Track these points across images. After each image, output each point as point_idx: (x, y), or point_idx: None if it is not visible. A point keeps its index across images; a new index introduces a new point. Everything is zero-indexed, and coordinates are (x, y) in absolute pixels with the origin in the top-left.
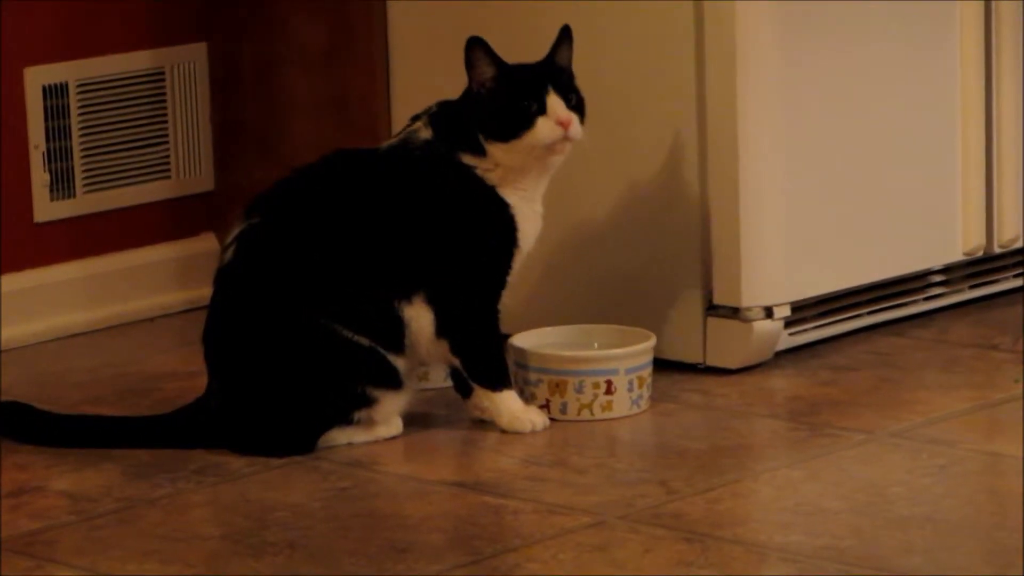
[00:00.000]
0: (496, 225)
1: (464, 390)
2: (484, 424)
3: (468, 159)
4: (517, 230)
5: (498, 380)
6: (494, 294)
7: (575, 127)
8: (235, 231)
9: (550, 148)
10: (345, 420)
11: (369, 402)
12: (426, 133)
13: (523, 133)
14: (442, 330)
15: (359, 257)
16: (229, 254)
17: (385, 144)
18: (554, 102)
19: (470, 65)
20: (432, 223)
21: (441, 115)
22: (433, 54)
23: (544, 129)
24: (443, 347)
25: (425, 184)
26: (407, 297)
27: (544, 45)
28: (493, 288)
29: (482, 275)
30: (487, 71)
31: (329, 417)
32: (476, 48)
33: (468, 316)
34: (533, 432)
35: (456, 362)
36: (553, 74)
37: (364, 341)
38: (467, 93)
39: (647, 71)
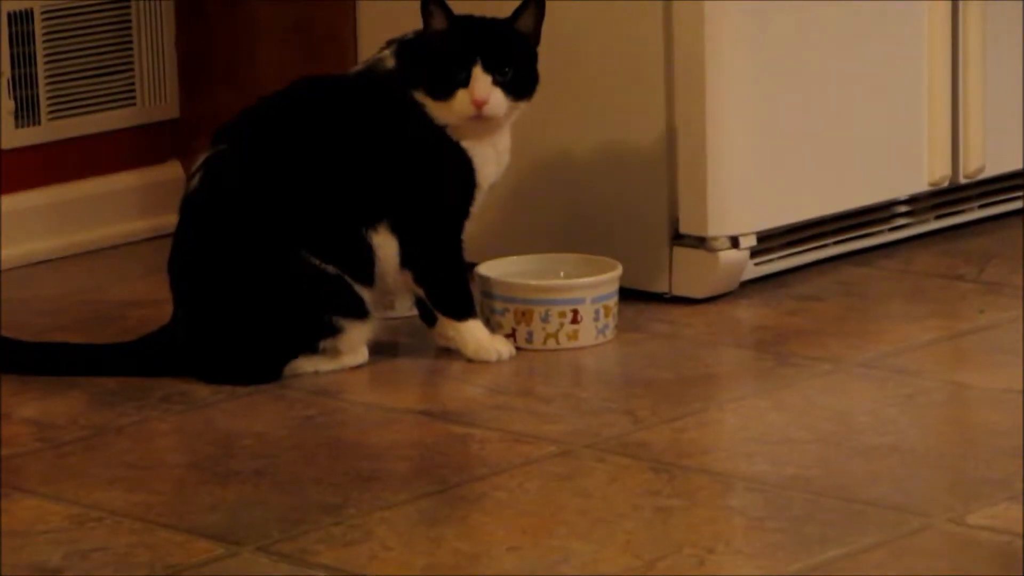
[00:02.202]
0: (451, 164)
1: (429, 319)
2: (450, 353)
3: (421, 97)
4: (474, 171)
5: (463, 310)
6: (455, 226)
7: (491, 106)
8: (201, 159)
9: (472, 118)
10: (311, 349)
11: (335, 331)
12: (391, 63)
13: (443, 100)
14: (406, 260)
15: (326, 185)
16: (195, 182)
17: (352, 71)
18: (478, 77)
19: (424, 13)
20: (392, 155)
21: (407, 47)
22: None
23: (460, 103)
24: (408, 277)
25: (385, 116)
26: (373, 225)
27: None
28: (454, 221)
29: (441, 209)
30: (439, 23)
31: (294, 345)
32: (430, 0)
33: (431, 246)
34: (499, 361)
35: (420, 292)
36: (494, 43)
37: (331, 269)
38: (421, 34)
39: (615, 3)
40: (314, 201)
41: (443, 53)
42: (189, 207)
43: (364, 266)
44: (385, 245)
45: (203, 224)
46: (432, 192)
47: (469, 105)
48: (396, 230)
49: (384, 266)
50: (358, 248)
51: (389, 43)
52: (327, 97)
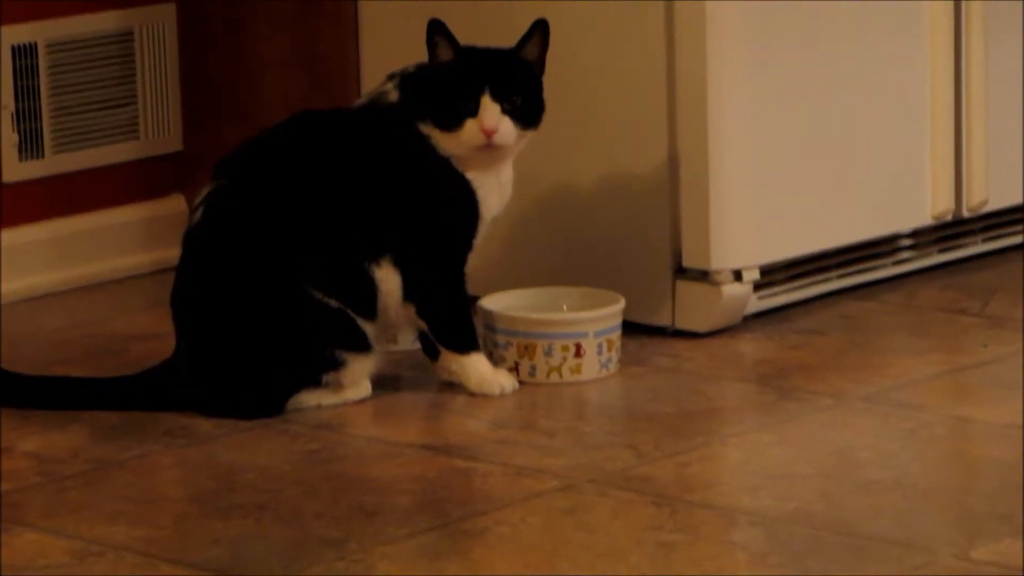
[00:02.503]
0: (454, 196)
1: (432, 352)
2: (453, 387)
3: (427, 129)
4: (478, 203)
5: (466, 343)
6: (458, 259)
7: (501, 135)
8: (204, 192)
9: (481, 148)
10: (313, 382)
11: (337, 365)
12: (394, 96)
13: (451, 131)
14: (409, 293)
15: (328, 219)
16: (198, 215)
17: (355, 104)
18: (487, 107)
19: (430, 45)
20: (396, 188)
21: (410, 80)
22: (403, 12)
23: (469, 133)
24: (410, 310)
25: (388, 149)
26: (376, 259)
27: (514, 9)
28: (457, 254)
29: (444, 242)
30: (444, 54)
31: (297, 379)
32: (435, 32)
33: (433, 280)
34: (502, 395)
35: (423, 325)
36: (501, 72)
37: (334, 303)
38: (426, 66)
39: (617, 34)
40: (316, 235)
41: (450, 83)
42: (192, 241)
43: (366, 300)
44: (388, 279)
45: (206, 258)
46: (436, 224)
47: (479, 134)
48: (399, 263)
49: (387, 300)
50: (361, 282)
51: (391, 76)
52: (328, 130)
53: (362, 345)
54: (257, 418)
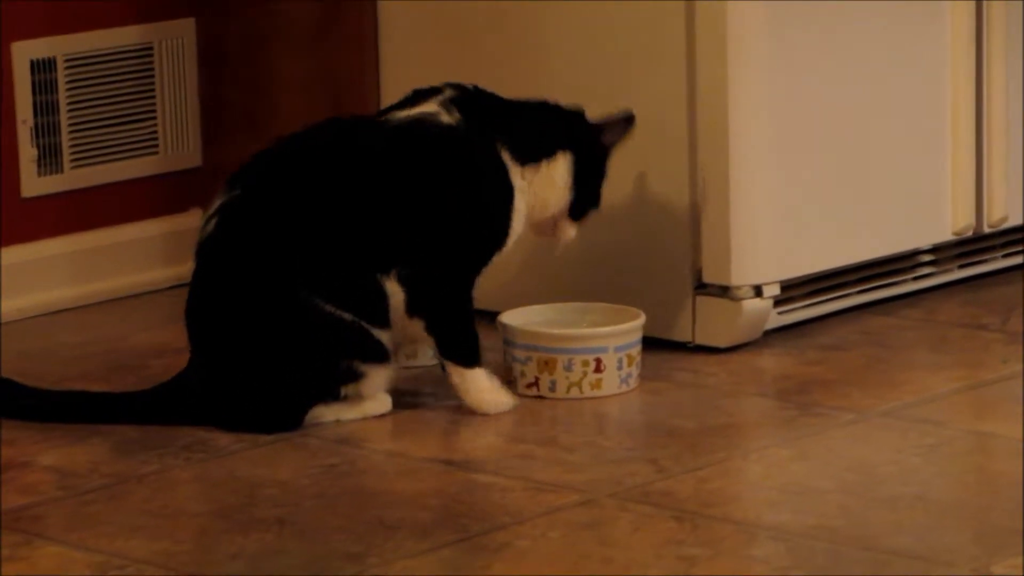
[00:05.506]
0: (498, 219)
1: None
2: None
3: (504, 155)
4: (511, 226)
5: (469, 357)
6: (476, 272)
7: (563, 238)
8: (216, 204)
9: (543, 233)
10: (332, 395)
11: (356, 377)
12: (448, 118)
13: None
14: (413, 308)
15: (341, 229)
16: (211, 227)
17: (391, 118)
18: (566, 228)
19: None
20: (432, 202)
21: (472, 104)
22: (423, 31)
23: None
24: (417, 323)
25: (437, 165)
26: (387, 271)
27: (534, 28)
28: (475, 271)
29: (469, 259)
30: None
31: (315, 392)
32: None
33: (443, 294)
34: (499, 413)
35: (430, 339)
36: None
37: (347, 316)
38: (536, 107)
39: (637, 50)
40: (327, 246)
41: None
42: (205, 252)
43: (379, 310)
44: (397, 292)
45: (219, 269)
46: (466, 240)
47: (552, 234)
48: (403, 279)
49: (395, 311)
50: (372, 293)
51: (418, 95)
52: (356, 140)
53: (380, 356)
54: (274, 432)
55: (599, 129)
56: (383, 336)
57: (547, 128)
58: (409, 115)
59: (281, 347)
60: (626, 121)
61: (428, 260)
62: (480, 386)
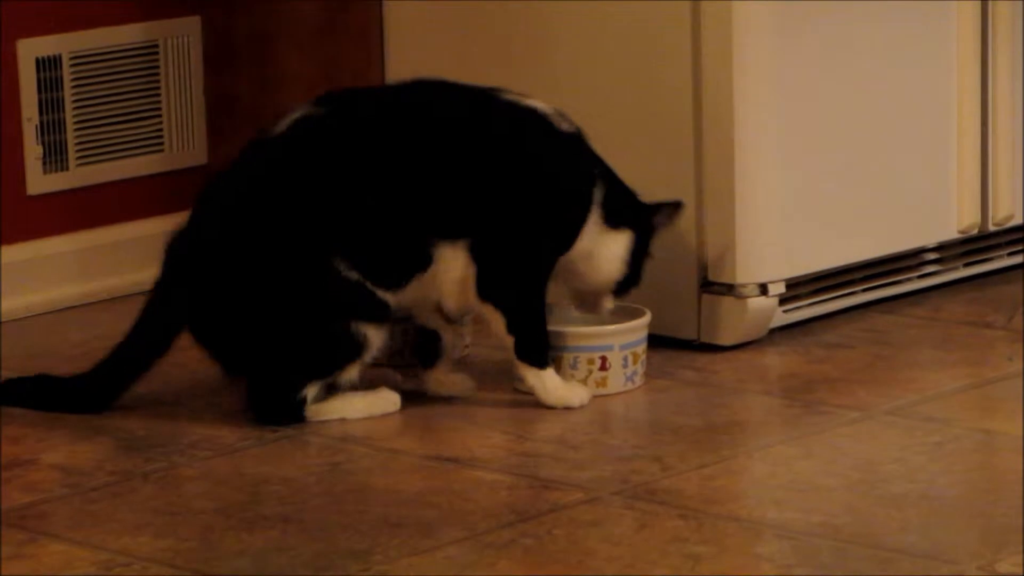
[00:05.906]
0: (574, 224)
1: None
2: (477, 400)
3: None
4: (577, 239)
5: (545, 358)
6: (548, 269)
7: (601, 312)
8: (300, 112)
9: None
10: (335, 366)
11: (359, 342)
12: (565, 124)
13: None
14: (486, 288)
15: (406, 186)
16: (282, 129)
17: (506, 96)
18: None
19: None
20: (530, 179)
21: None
22: (428, 28)
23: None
24: (483, 307)
25: (545, 148)
26: (451, 239)
27: (539, 26)
28: (548, 262)
29: (546, 244)
30: None
31: (314, 368)
32: None
33: (521, 280)
34: (570, 407)
35: (504, 337)
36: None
37: (354, 275)
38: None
39: (643, 48)
40: (377, 201)
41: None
42: (256, 150)
43: (396, 273)
44: (454, 263)
45: (250, 191)
46: (549, 225)
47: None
48: (479, 256)
49: (441, 277)
50: (406, 256)
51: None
52: (456, 106)
53: (382, 316)
54: (275, 424)
55: (653, 211)
56: (387, 296)
57: (625, 200)
58: (526, 101)
59: (287, 306)
60: (675, 208)
61: (507, 236)
62: (557, 383)
